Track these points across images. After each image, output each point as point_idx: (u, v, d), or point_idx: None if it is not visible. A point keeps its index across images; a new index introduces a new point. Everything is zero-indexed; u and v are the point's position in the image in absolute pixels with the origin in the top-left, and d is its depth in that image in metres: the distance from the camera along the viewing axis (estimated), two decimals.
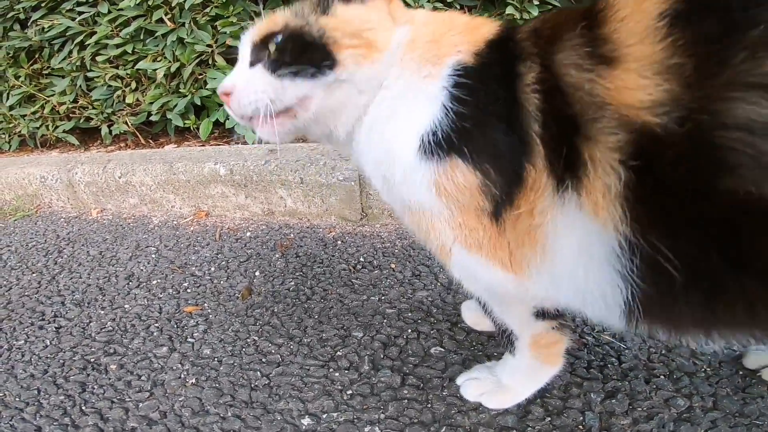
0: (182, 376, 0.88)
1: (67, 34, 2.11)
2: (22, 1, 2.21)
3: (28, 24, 2.25)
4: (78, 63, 2.13)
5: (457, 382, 0.80)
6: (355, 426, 0.73)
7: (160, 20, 1.89)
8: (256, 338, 0.97)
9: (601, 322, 0.60)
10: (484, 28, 0.61)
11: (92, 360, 0.94)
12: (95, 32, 2.01)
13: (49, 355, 0.97)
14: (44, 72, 2.32)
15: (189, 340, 0.98)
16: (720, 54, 0.42)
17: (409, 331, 0.95)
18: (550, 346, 0.73)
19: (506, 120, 0.53)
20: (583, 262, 0.52)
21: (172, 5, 1.86)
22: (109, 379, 0.89)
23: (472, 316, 0.96)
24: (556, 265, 0.54)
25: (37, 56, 2.32)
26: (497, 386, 0.76)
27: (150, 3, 1.90)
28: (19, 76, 2.32)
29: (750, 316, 0.48)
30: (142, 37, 1.98)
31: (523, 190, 0.53)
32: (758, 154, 0.40)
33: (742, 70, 0.41)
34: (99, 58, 2.03)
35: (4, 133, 2.52)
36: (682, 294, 0.48)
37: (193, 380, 0.86)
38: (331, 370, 0.86)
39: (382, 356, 0.88)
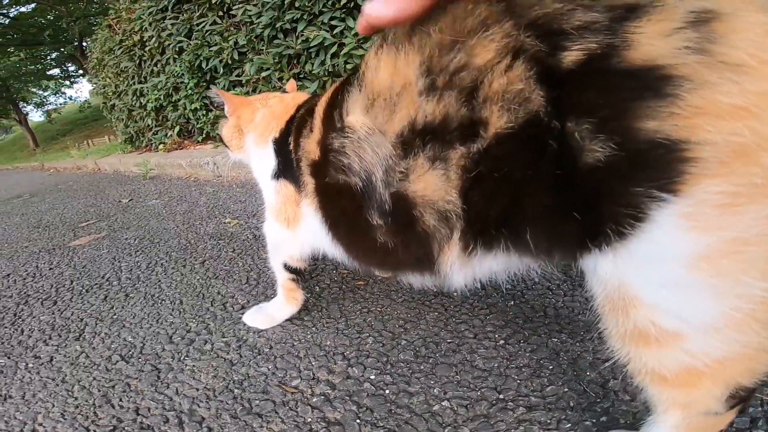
0: None
1: (325, 44, 2.66)
2: (287, 12, 2.81)
3: (294, 34, 2.85)
4: (329, 69, 2.70)
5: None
6: None
7: None
8: None
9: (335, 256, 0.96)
10: (290, 112, 1.02)
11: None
12: (344, 43, 2.52)
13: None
14: (300, 75, 2.98)
15: None
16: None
17: None
18: (289, 291, 1.14)
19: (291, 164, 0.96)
20: (317, 227, 0.92)
21: None
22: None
23: None
24: (307, 228, 0.98)
25: (294, 62, 2.98)
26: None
27: None
28: (282, 78, 3.03)
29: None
30: None
31: (298, 195, 0.96)
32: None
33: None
34: (348, 66, 2.55)
35: None
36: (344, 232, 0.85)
37: None
38: None
39: None
